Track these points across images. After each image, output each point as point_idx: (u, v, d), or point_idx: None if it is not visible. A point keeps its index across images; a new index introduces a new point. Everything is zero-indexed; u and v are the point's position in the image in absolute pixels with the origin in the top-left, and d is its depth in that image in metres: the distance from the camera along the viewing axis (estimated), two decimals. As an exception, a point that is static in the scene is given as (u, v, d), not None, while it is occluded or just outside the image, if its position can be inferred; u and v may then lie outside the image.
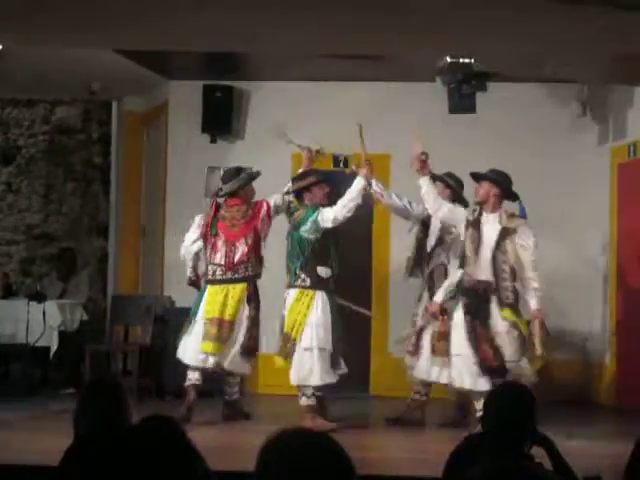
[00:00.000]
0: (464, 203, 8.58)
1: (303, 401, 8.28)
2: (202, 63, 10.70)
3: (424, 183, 8.20)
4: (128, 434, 2.83)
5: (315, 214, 8.34)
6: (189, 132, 11.11)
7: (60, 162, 12.97)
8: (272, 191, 9.68)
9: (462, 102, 9.64)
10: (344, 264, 9.46)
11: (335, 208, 8.34)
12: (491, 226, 8.15)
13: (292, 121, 10.96)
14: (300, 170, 8.90)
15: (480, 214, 8.21)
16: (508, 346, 7.94)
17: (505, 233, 8.12)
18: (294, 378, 8.29)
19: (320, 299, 8.33)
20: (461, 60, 8.50)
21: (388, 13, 6.41)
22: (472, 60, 8.52)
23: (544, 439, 4.21)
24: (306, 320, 8.23)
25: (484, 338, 7.93)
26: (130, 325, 11.27)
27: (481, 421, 4.16)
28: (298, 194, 8.61)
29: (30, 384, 10.62)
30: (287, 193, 8.72)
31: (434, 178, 8.45)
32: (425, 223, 8.79)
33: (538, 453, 4.13)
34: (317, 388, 8.30)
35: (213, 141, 11.16)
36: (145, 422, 2.83)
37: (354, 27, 6.95)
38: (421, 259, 8.84)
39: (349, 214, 8.36)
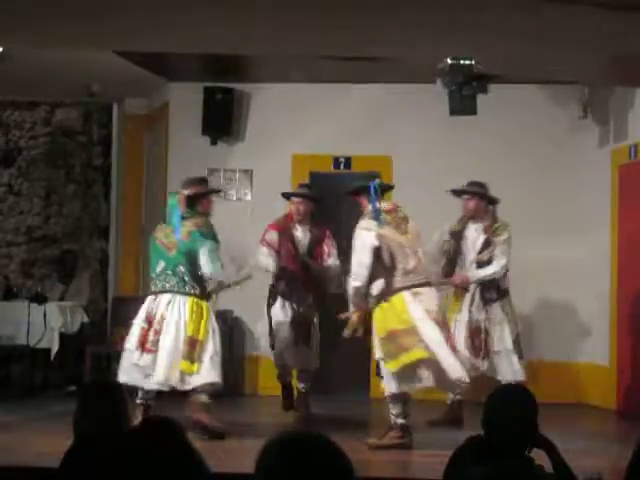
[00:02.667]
0: (495, 202, 8.93)
1: (204, 398, 8.06)
2: (202, 65, 10.69)
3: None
4: (128, 435, 2.83)
5: (200, 251, 8.09)
6: (189, 134, 11.10)
7: (61, 164, 12.96)
8: (273, 193, 9.70)
9: (463, 104, 9.62)
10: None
11: (213, 271, 8.11)
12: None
13: (292, 123, 10.98)
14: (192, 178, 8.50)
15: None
16: None
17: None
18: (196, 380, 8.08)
19: (211, 307, 8.31)
20: (462, 62, 8.47)
21: (387, 14, 6.41)
22: (473, 62, 8.49)
23: (545, 441, 4.20)
24: (208, 325, 8.14)
25: None
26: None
27: (482, 423, 4.15)
28: (193, 199, 8.27)
29: (31, 386, 10.63)
30: (189, 197, 8.25)
31: (457, 194, 8.93)
32: (457, 237, 8.92)
33: (539, 455, 4.13)
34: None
35: (213, 143, 11.15)
36: (145, 423, 2.83)
37: (354, 28, 6.94)
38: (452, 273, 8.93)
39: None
